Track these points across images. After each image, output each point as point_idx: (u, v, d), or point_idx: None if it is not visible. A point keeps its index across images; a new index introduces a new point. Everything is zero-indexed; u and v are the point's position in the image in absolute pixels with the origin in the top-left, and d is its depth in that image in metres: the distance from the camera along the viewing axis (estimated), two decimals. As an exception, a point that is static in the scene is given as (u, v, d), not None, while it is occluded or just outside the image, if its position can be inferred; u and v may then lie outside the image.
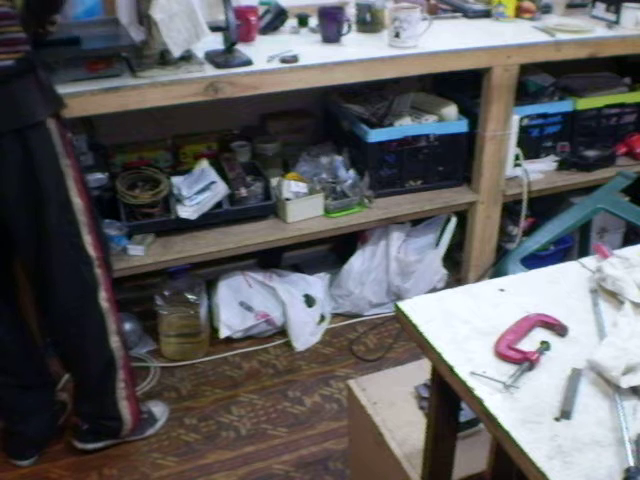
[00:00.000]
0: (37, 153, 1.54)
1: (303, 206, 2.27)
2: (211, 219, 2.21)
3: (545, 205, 2.61)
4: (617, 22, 2.43)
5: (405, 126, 2.37)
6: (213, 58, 1.98)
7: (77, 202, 1.64)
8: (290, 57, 2.00)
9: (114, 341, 1.79)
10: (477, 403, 0.94)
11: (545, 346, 1.03)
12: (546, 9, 2.57)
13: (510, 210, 2.59)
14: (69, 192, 1.62)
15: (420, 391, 1.56)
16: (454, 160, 2.44)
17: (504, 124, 2.33)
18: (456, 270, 2.64)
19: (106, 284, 1.75)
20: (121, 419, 1.87)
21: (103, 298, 1.74)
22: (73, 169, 1.62)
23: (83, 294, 1.72)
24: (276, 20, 2.32)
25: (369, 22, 2.32)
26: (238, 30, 1.98)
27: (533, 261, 1.70)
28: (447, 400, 1.13)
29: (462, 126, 2.39)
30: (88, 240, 1.68)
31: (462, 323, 1.09)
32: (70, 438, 1.95)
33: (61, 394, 2.03)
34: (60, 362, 1.88)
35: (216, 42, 2.00)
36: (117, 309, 1.80)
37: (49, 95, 1.58)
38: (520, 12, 2.51)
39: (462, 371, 0.98)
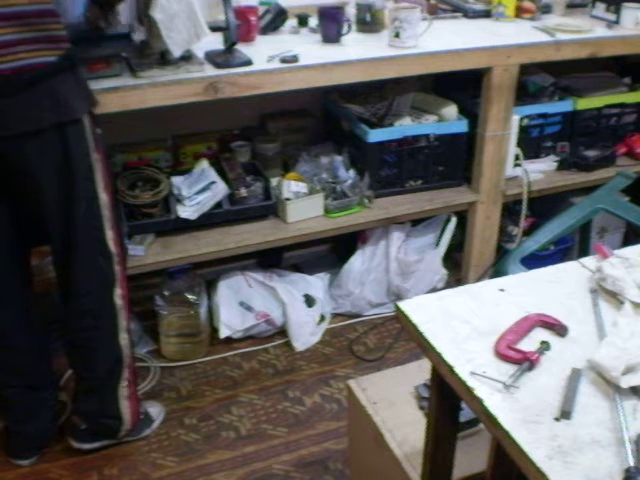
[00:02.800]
0: (74, 148, 1.58)
1: (303, 206, 2.27)
2: (211, 219, 2.21)
3: (545, 205, 2.61)
4: (617, 22, 2.43)
5: (405, 126, 2.36)
6: (213, 58, 1.98)
7: (103, 197, 1.67)
8: (290, 57, 2.00)
9: (123, 338, 1.81)
10: (477, 403, 0.94)
11: (545, 346, 1.03)
12: (546, 9, 2.57)
13: (510, 210, 2.59)
14: (97, 187, 1.65)
15: (420, 391, 1.56)
16: (454, 160, 2.44)
17: (504, 124, 2.33)
18: (456, 270, 2.64)
19: (122, 281, 1.78)
20: (121, 418, 1.88)
21: (118, 295, 1.77)
22: (101, 164, 1.65)
23: (101, 288, 1.75)
24: (276, 20, 2.32)
25: (369, 22, 2.32)
26: (238, 30, 1.98)
27: (533, 261, 1.70)
28: (447, 400, 1.13)
29: (462, 126, 2.39)
30: (110, 235, 1.71)
31: (462, 323, 1.09)
32: (69, 437, 1.95)
33: (61, 394, 2.03)
34: (68, 357, 1.88)
35: (216, 42, 2.00)
36: (130, 308, 1.82)
37: (86, 92, 1.62)
38: (520, 12, 2.51)
39: (462, 371, 0.98)
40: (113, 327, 1.79)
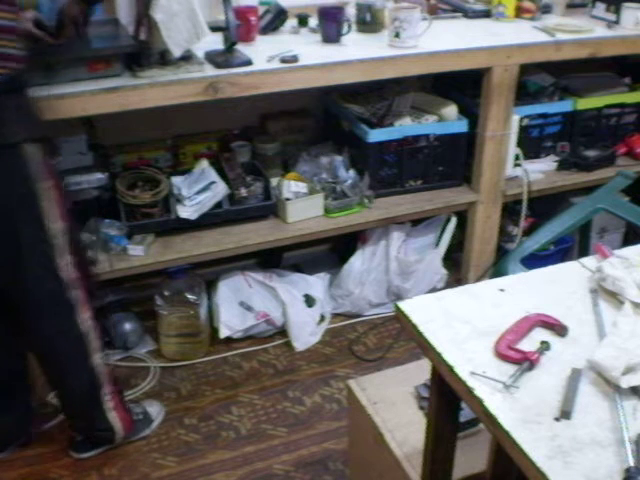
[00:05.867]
0: (7, 174, 1.50)
1: (303, 206, 2.27)
2: (211, 219, 2.21)
3: (545, 205, 2.61)
4: (617, 22, 2.43)
5: (405, 126, 2.36)
6: (213, 58, 1.98)
7: (53, 227, 1.58)
8: (290, 57, 2.00)
9: (96, 358, 1.76)
10: (477, 403, 0.94)
11: (545, 346, 1.03)
12: (546, 9, 2.57)
13: (510, 210, 2.59)
14: (43, 216, 1.56)
15: (420, 391, 1.56)
16: (454, 160, 2.44)
17: (504, 124, 2.33)
18: (456, 270, 2.64)
19: (85, 305, 1.69)
20: (112, 429, 1.87)
21: (83, 319, 1.70)
22: (54, 192, 1.57)
23: (57, 317, 1.68)
24: (276, 20, 2.32)
25: (369, 22, 2.32)
26: (238, 30, 1.98)
27: (533, 261, 1.70)
28: (447, 400, 1.13)
29: (462, 126, 2.39)
30: (65, 262, 1.62)
31: (462, 323, 1.09)
32: (69, 437, 1.95)
33: (53, 399, 2.02)
34: (46, 380, 1.87)
35: (216, 42, 2.00)
36: (99, 324, 1.76)
37: (30, 119, 1.53)
38: (520, 12, 2.51)
39: (462, 371, 0.99)
40: (81, 352, 1.73)
